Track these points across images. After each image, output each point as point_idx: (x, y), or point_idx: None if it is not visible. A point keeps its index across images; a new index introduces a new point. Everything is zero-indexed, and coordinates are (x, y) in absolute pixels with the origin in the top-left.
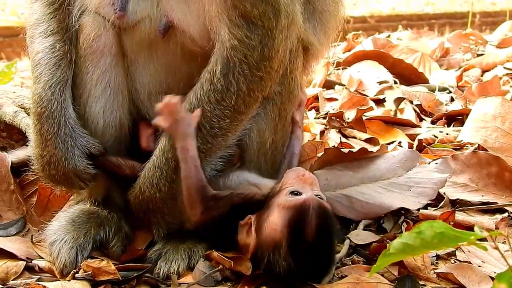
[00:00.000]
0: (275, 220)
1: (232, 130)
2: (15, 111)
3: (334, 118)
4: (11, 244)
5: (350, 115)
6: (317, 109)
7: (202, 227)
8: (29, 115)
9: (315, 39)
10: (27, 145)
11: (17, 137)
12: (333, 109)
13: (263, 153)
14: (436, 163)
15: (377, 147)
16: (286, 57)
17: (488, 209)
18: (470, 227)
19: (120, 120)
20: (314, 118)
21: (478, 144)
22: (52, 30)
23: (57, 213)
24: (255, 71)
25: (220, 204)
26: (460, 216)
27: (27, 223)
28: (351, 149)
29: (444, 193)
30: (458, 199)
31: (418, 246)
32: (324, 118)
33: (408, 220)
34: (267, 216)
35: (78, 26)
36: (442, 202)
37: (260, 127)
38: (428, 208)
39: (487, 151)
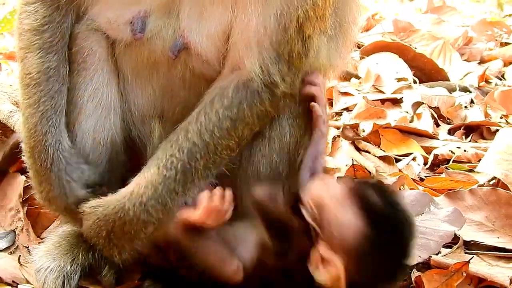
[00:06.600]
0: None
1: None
2: (10, 111)
3: (348, 127)
4: None
5: (365, 126)
6: (330, 104)
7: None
8: None
9: (337, 57)
10: None
11: (11, 133)
12: (346, 105)
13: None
14: (448, 211)
15: (392, 169)
16: None
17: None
18: (483, 280)
19: (111, 139)
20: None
21: (498, 179)
22: (53, 44)
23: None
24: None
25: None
26: (474, 265)
27: (17, 238)
28: None
29: (459, 234)
30: (472, 241)
31: None
32: (339, 115)
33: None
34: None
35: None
36: (456, 245)
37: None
38: (442, 249)
39: (507, 187)
